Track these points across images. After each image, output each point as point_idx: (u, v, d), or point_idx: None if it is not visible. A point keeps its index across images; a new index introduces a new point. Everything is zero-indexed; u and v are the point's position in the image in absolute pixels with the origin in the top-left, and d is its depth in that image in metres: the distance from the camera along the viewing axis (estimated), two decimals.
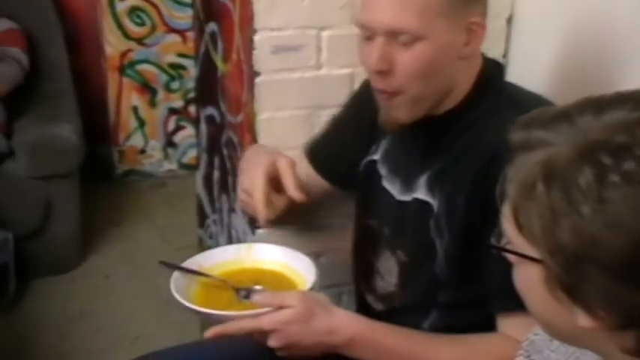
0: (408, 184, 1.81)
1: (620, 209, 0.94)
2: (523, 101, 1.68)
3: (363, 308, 1.97)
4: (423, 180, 1.76)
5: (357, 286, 2.04)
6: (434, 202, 1.73)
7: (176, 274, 1.73)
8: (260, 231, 2.46)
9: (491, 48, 2.42)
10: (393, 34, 1.61)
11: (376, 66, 1.64)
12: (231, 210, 2.90)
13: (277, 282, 1.78)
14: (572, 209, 0.96)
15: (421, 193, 1.76)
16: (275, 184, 1.79)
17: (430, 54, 1.63)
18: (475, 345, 1.62)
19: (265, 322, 1.56)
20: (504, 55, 2.47)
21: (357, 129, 1.99)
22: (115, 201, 4.41)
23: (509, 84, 1.83)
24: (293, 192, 1.74)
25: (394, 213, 1.85)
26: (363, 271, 1.99)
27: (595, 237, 0.95)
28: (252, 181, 1.76)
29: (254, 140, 2.44)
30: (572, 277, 0.99)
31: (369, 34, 1.65)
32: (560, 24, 2.27)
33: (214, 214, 3.24)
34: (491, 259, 1.55)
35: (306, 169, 2.04)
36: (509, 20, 2.45)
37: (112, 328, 3.33)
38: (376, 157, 1.93)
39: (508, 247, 1.08)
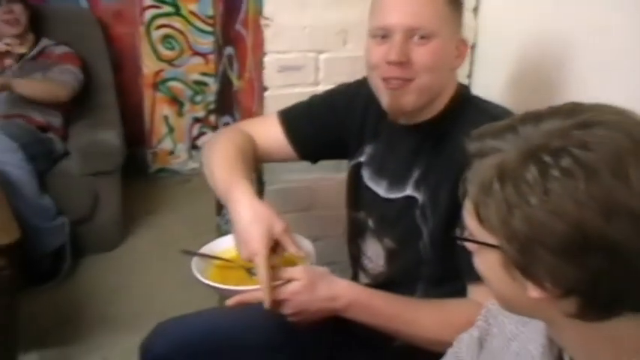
0: (396, 185, 1.79)
1: (561, 199, 0.94)
2: (493, 114, 1.67)
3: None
4: (411, 181, 1.74)
5: (351, 266, 2.02)
6: (419, 196, 1.72)
7: (195, 259, 1.72)
8: None
9: (459, 70, 2.43)
10: (411, 32, 1.62)
11: (398, 57, 1.62)
12: None
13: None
14: (522, 201, 0.96)
15: (409, 191, 1.75)
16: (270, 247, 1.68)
17: (441, 49, 1.64)
18: (450, 308, 1.60)
19: (279, 293, 1.56)
20: (469, 76, 2.46)
21: (343, 124, 1.93)
22: (148, 194, 4.40)
23: (479, 99, 1.81)
24: (296, 253, 1.67)
25: (379, 208, 1.83)
26: (354, 254, 1.98)
27: (542, 223, 0.95)
28: (252, 256, 1.60)
29: None
30: (525, 258, 0.99)
31: (384, 34, 1.64)
32: (515, 49, 2.26)
33: None
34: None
35: (277, 134, 1.98)
36: (474, 46, 2.44)
37: (145, 297, 3.35)
38: (362, 159, 1.90)
39: (469, 238, 1.08)
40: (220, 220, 3.34)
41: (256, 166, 2.08)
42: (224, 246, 1.81)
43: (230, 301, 1.59)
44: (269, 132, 1.98)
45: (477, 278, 1.43)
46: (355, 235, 1.95)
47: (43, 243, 3.45)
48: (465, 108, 1.73)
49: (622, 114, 1.00)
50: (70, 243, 3.59)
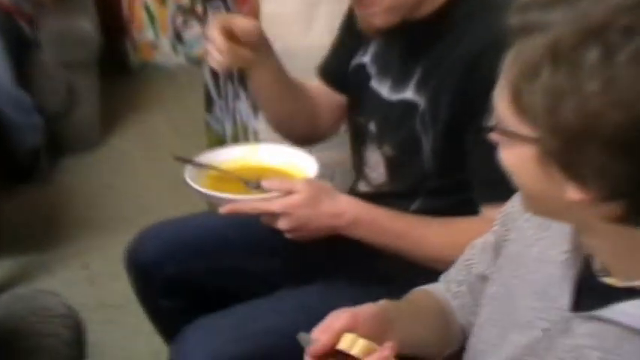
0: (398, 85, 1.75)
1: (627, 88, 0.89)
2: (501, 3, 1.55)
3: (353, 192, 1.93)
4: (413, 81, 1.70)
5: (354, 175, 2.01)
6: (420, 101, 1.68)
7: (188, 167, 1.70)
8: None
9: None
10: None
11: None
12: (236, 96, 2.87)
13: (280, 177, 1.74)
14: (577, 88, 0.91)
15: (409, 94, 1.71)
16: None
17: None
18: (461, 227, 1.59)
19: (276, 205, 1.55)
20: None
21: (349, 34, 1.91)
22: (130, 90, 4.35)
23: None
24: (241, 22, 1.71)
25: (381, 112, 1.80)
26: (356, 162, 1.95)
27: (598, 114, 0.90)
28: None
29: None
30: (570, 154, 0.95)
31: None
32: None
33: (220, 101, 3.22)
34: (476, 152, 1.57)
35: (323, 90, 1.99)
36: None
37: (130, 199, 3.35)
38: (365, 59, 1.85)
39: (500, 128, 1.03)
40: (210, 117, 3.33)
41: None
42: (222, 157, 1.80)
43: (224, 209, 1.59)
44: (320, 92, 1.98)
45: (491, 199, 1.51)
46: (357, 141, 1.93)
47: (19, 139, 3.40)
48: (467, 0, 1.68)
49: None
50: (47, 141, 3.56)
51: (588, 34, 0.90)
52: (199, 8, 4.21)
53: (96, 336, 2.25)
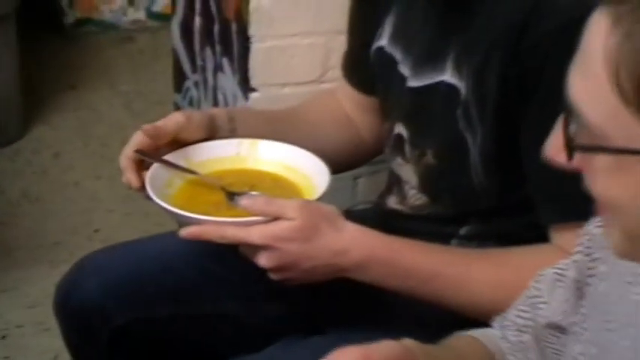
0: (429, 67, 1.79)
1: None
2: None
3: (379, 208, 2.00)
4: (450, 60, 1.74)
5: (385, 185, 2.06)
6: (461, 85, 1.71)
7: (155, 166, 1.70)
8: (256, 94, 2.50)
9: None
10: None
11: None
12: (218, 68, 2.92)
13: (280, 188, 1.78)
14: None
15: (447, 75, 1.74)
16: None
17: None
18: (521, 261, 1.59)
19: (255, 235, 1.53)
20: None
21: (365, 9, 1.98)
22: (66, 58, 4.39)
23: None
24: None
25: (411, 105, 1.84)
26: (389, 174, 1.99)
27: None
28: None
29: None
30: None
31: None
32: None
33: (195, 75, 3.27)
34: (539, 155, 1.48)
35: (353, 98, 2.04)
36: None
37: (64, 217, 3.35)
38: (383, 42, 1.90)
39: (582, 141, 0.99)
40: (180, 99, 3.38)
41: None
42: (207, 155, 1.82)
43: (184, 232, 1.59)
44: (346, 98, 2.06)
45: (563, 217, 1.53)
46: (390, 154, 1.96)
47: None
48: None
49: None
50: None
51: None
52: None
53: None
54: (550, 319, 1.39)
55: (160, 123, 1.75)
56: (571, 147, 1.01)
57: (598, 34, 0.97)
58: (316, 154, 1.84)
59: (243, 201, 1.59)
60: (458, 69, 1.71)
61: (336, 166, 1.91)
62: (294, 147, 1.82)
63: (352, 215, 1.83)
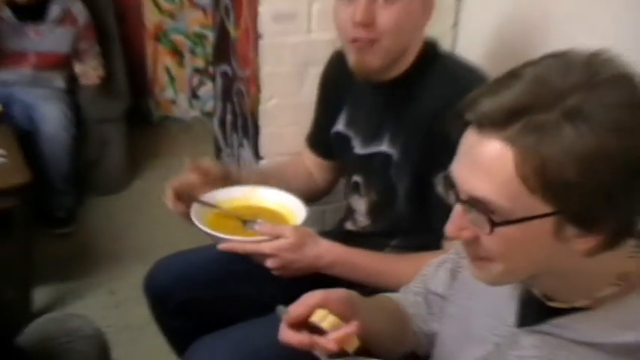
0: (374, 140, 1.75)
1: (630, 130, 0.90)
2: (458, 70, 1.66)
3: (340, 228, 1.97)
4: (387, 135, 1.71)
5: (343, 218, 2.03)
6: (393, 153, 1.69)
7: (195, 204, 1.70)
8: (262, 161, 2.49)
9: (445, 19, 2.41)
10: None
11: (362, 18, 1.57)
12: (240, 145, 2.88)
13: (274, 217, 1.75)
14: (603, 147, 0.88)
15: (384, 147, 1.72)
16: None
17: (405, 13, 1.59)
18: (425, 258, 1.55)
19: (266, 248, 1.56)
20: (455, 25, 2.43)
21: (324, 107, 1.96)
22: (153, 140, 4.34)
23: (445, 55, 1.75)
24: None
25: (363, 166, 1.81)
26: (346, 206, 1.97)
27: (623, 161, 0.89)
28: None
29: (258, 90, 2.44)
30: (598, 211, 0.92)
31: None
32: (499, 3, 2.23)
33: (227, 149, 3.25)
34: (438, 200, 1.57)
35: (313, 160, 2.02)
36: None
37: (149, 235, 3.35)
38: (340, 127, 1.86)
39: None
40: (219, 162, 3.28)
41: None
42: (227, 196, 1.79)
43: (221, 247, 1.59)
44: (309, 163, 2.03)
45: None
46: (346, 192, 1.94)
47: (58, 201, 3.45)
48: (432, 66, 1.68)
49: (607, 51, 0.96)
50: (80, 184, 3.57)
51: (582, 104, 0.89)
52: (212, 70, 4.25)
53: (120, 354, 2.25)
54: (434, 290, 1.39)
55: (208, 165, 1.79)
56: (490, 225, 0.97)
57: (489, 152, 0.95)
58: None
59: (257, 226, 1.62)
60: (391, 142, 1.68)
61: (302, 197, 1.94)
62: (280, 191, 1.80)
63: (323, 235, 1.86)
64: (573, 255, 0.96)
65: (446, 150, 1.54)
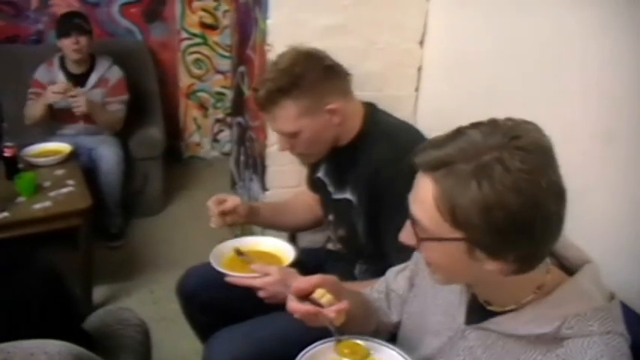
0: (340, 188, 1.76)
1: (529, 191, 0.90)
2: (391, 132, 1.67)
3: (326, 248, 1.98)
4: (349, 185, 1.71)
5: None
6: (353, 199, 1.69)
7: (215, 249, 1.72)
8: (268, 192, 2.47)
9: (408, 85, 2.42)
10: (282, 134, 1.66)
11: (281, 149, 1.73)
12: (250, 179, 2.87)
13: (273, 257, 1.73)
14: (500, 198, 0.90)
15: (348, 194, 1.72)
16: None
17: (307, 138, 1.65)
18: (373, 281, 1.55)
19: (257, 282, 1.53)
20: (416, 89, 2.44)
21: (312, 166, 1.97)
22: (183, 174, 4.32)
23: (384, 119, 1.76)
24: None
25: (334, 207, 1.81)
26: (329, 238, 1.98)
27: (517, 213, 0.91)
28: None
29: (265, 137, 2.44)
30: (498, 243, 0.95)
31: None
32: (454, 74, 2.25)
33: (240, 182, 3.23)
34: (386, 234, 1.57)
35: (311, 195, 2.01)
36: (420, 69, 2.42)
37: (181, 249, 3.32)
38: (320, 174, 1.87)
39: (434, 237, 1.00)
40: (233, 192, 3.31)
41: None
42: (241, 242, 1.80)
43: (227, 279, 1.58)
44: (313, 200, 2.02)
45: (398, 259, 1.44)
46: (326, 227, 1.95)
47: (111, 221, 3.47)
48: (372, 130, 1.69)
49: (531, 123, 0.98)
50: (127, 209, 3.58)
51: (490, 163, 0.91)
52: (229, 120, 4.26)
53: (156, 339, 2.24)
54: (396, 290, 1.39)
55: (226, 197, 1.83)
56: (419, 238, 1.01)
57: (424, 187, 0.97)
58: (295, 228, 1.93)
59: (252, 266, 1.57)
60: (351, 191, 1.69)
61: (306, 228, 1.95)
62: (277, 239, 1.81)
63: (315, 250, 1.86)
64: (495, 274, 0.99)
65: (385, 198, 1.57)
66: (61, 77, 3.42)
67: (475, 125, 0.98)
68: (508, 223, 0.91)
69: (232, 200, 1.84)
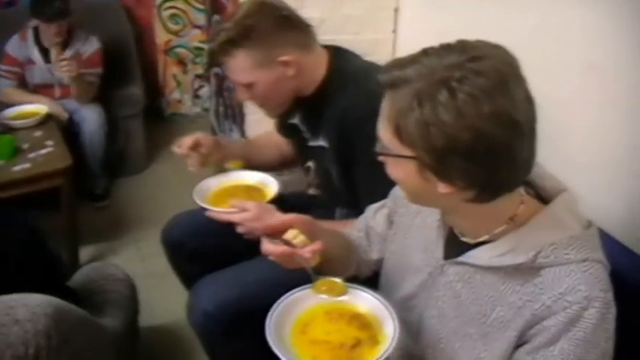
0: (315, 136, 1.74)
1: (471, 116, 0.90)
2: (359, 76, 1.63)
3: (307, 194, 1.95)
4: (322, 133, 1.69)
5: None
6: (326, 145, 1.68)
7: (197, 186, 1.71)
8: (249, 134, 2.46)
9: (386, 26, 2.39)
10: (238, 84, 1.65)
11: (239, 100, 1.72)
12: (230, 130, 2.87)
13: (257, 190, 1.73)
14: (439, 120, 0.91)
15: (321, 141, 1.70)
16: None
17: (262, 89, 1.63)
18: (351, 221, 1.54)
19: (234, 217, 1.47)
20: (394, 30, 2.41)
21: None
22: (165, 131, 4.27)
23: (349, 64, 1.71)
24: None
25: (313, 153, 1.79)
26: (308, 182, 1.95)
27: (456, 136, 0.91)
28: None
29: None
30: (440, 165, 0.95)
31: None
32: (431, 13, 2.22)
33: (221, 134, 3.25)
34: (359, 178, 1.58)
35: (281, 138, 1.98)
36: (396, 10, 2.40)
37: (166, 204, 3.14)
38: (296, 120, 1.82)
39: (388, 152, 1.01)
40: None
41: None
42: (223, 177, 1.79)
43: (206, 214, 1.56)
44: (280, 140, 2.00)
45: (372, 201, 1.44)
46: (305, 173, 1.92)
47: (96, 183, 3.47)
48: (336, 77, 1.66)
49: (499, 48, 0.97)
50: (110, 168, 3.56)
51: (438, 83, 0.91)
52: (208, 75, 4.21)
53: (145, 295, 2.27)
54: (375, 228, 1.38)
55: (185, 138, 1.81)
56: (378, 154, 1.03)
57: (384, 105, 0.99)
58: (263, 166, 1.88)
59: (232, 201, 1.51)
60: (324, 138, 1.66)
61: (273, 167, 1.95)
62: (261, 173, 1.79)
63: (297, 195, 1.85)
64: (453, 199, 1.00)
65: (355, 142, 1.55)
66: (35, 54, 3.32)
67: (442, 46, 0.97)
68: (446, 145, 0.92)
69: (190, 137, 1.81)
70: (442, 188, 0.98)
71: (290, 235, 1.18)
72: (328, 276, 1.21)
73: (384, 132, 1.00)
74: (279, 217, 1.23)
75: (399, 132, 0.96)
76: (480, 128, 0.90)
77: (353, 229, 1.45)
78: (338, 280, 1.20)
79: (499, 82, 0.91)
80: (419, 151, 0.95)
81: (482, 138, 0.91)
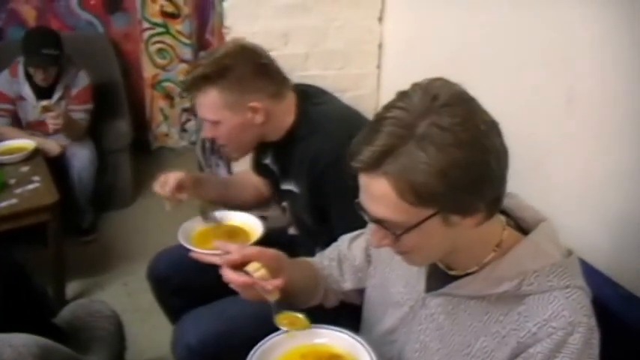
0: (284, 179, 1.75)
1: (471, 139, 0.93)
2: (325, 121, 1.64)
3: (288, 234, 1.93)
4: (291, 177, 1.70)
5: None
6: (297, 191, 1.69)
7: (182, 226, 1.73)
8: (236, 170, 2.45)
9: (370, 62, 2.43)
10: (204, 120, 1.66)
11: (205, 136, 1.75)
12: (217, 165, 2.87)
13: (242, 231, 1.73)
14: (451, 158, 0.92)
15: (292, 186, 1.71)
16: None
17: (227, 131, 1.65)
18: None
19: (217, 260, 1.39)
20: (378, 66, 2.45)
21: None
22: (152, 165, 4.24)
23: (315, 108, 1.71)
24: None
25: (283, 195, 1.79)
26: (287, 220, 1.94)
27: (472, 162, 0.94)
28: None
29: None
30: (468, 197, 0.95)
31: None
32: (414, 48, 2.25)
33: (207, 168, 3.24)
34: (336, 221, 1.57)
35: (257, 178, 1.97)
36: (380, 46, 2.43)
37: (153, 239, 3.17)
38: (267, 160, 1.83)
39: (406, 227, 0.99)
40: None
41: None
42: (221, 215, 1.80)
43: (190, 254, 1.56)
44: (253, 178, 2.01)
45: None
46: (284, 212, 1.92)
47: (83, 217, 3.44)
48: (305, 124, 1.67)
49: (441, 79, 1.00)
50: (96, 202, 3.52)
51: (426, 127, 0.93)
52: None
53: (132, 330, 2.24)
54: (351, 260, 1.37)
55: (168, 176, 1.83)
56: (395, 236, 1.00)
57: (376, 185, 0.96)
58: (240, 205, 1.87)
59: (216, 242, 1.43)
60: (294, 183, 1.68)
61: (250, 206, 1.93)
62: (248, 214, 1.78)
63: (275, 232, 1.83)
64: (467, 229, 1.00)
65: (327, 187, 1.56)
66: (27, 90, 3.29)
67: (389, 107, 0.97)
68: (468, 178, 0.93)
69: (174, 176, 1.81)
70: (469, 222, 0.98)
71: (251, 267, 1.18)
72: (291, 310, 1.21)
73: (390, 210, 0.97)
74: (240, 251, 1.22)
75: (417, 194, 0.94)
76: (485, 144, 0.93)
77: (324, 257, 1.43)
78: (300, 315, 1.20)
79: (466, 102, 0.96)
80: (442, 200, 0.94)
81: (491, 151, 0.95)
